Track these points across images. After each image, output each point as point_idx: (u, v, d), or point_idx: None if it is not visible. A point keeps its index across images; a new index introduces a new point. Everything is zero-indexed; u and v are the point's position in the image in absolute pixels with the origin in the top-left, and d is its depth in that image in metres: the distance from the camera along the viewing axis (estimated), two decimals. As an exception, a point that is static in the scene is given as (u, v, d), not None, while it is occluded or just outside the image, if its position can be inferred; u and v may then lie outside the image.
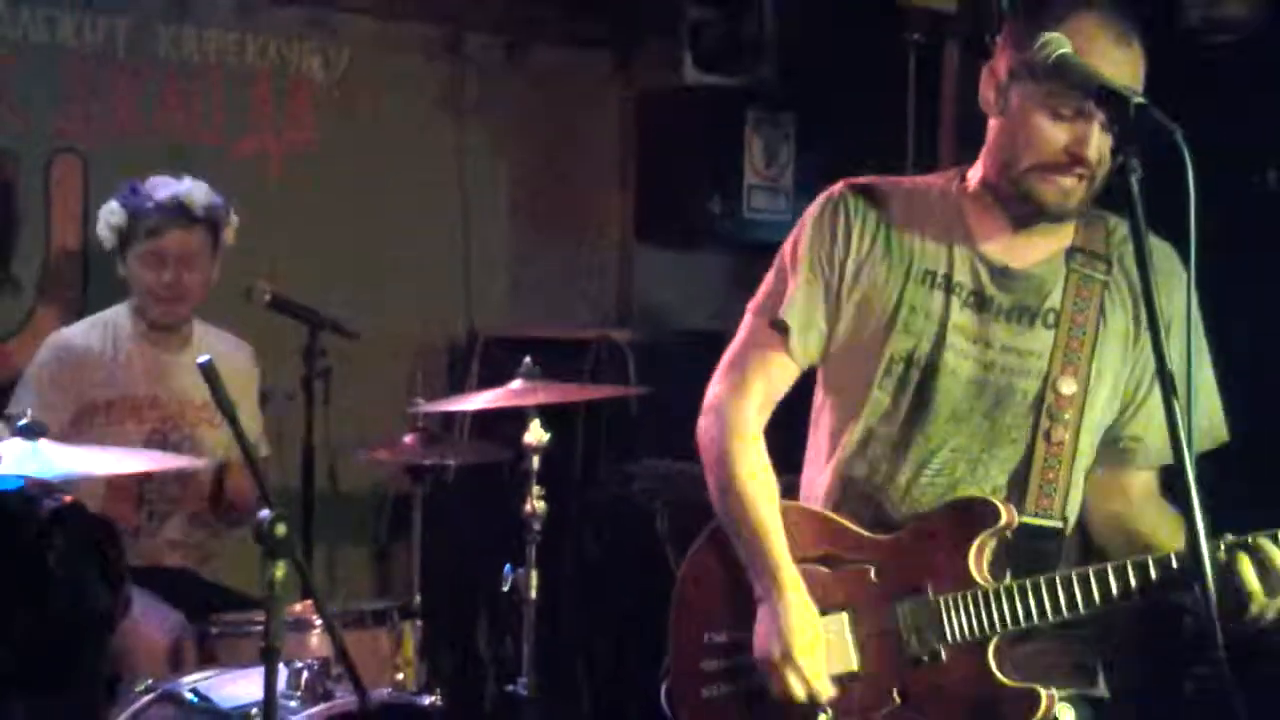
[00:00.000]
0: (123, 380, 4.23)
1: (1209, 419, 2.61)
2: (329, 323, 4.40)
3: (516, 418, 3.92)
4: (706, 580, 2.74)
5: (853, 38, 5.08)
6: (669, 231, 5.76)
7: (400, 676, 3.76)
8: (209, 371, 2.51)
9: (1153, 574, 2.38)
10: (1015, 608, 2.46)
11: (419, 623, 3.92)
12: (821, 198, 2.71)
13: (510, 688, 3.96)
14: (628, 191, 5.88)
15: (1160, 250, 2.48)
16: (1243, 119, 4.02)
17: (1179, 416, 1.96)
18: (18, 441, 3.27)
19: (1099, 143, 2.44)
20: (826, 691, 2.55)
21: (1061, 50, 2.25)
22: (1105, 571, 2.42)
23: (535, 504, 3.82)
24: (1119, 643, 2.69)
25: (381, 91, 5.37)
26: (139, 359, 4.27)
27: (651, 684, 2.82)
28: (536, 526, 3.83)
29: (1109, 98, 2.10)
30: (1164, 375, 1.99)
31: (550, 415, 3.90)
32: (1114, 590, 2.40)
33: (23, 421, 3.30)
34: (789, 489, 2.74)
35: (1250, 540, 2.34)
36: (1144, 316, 2.48)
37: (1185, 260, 2.02)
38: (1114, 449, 2.63)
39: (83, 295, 4.80)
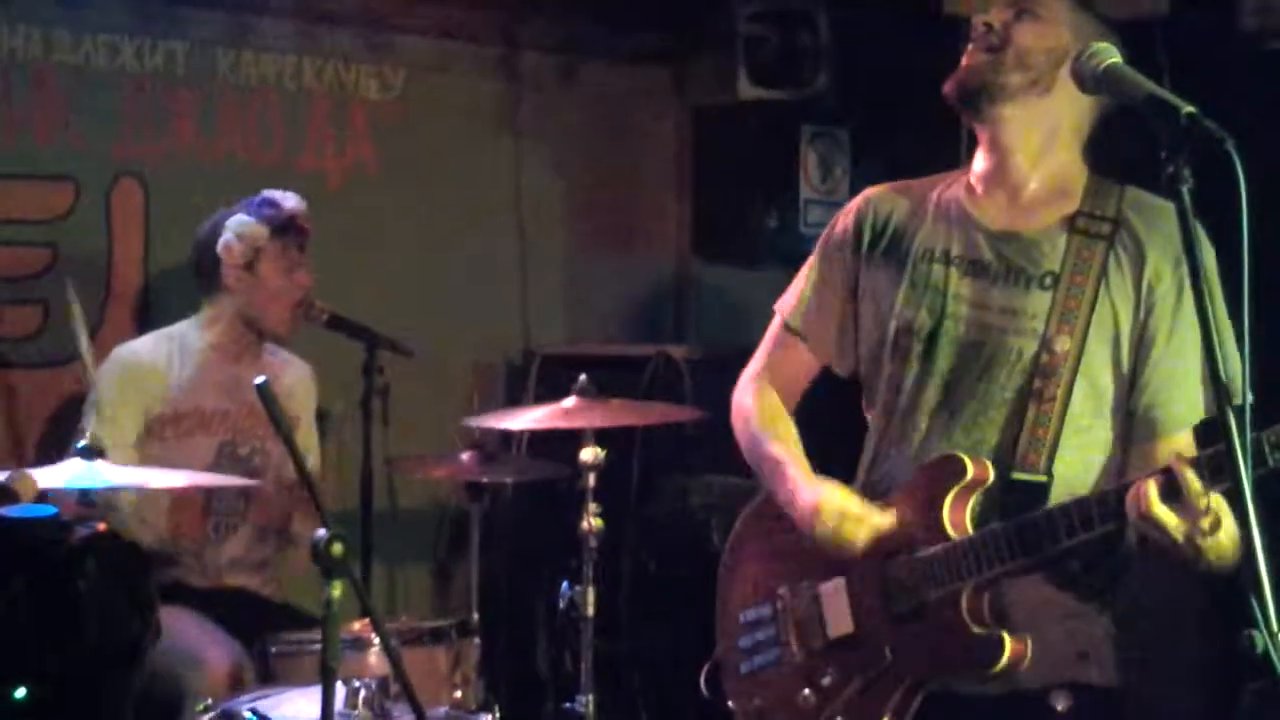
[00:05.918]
0: (192, 393, 4.23)
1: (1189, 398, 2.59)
2: (386, 341, 4.42)
3: (574, 435, 3.92)
4: (739, 565, 2.91)
5: (906, 51, 5.05)
6: (725, 247, 5.75)
7: (459, 694, 3.77)
8: (265, 392, 2.54)
9: (1093, 511, 2.41)
10: (978, 553, 2.51)
11: (477, 640, 3.93)
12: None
13: (568, 705, 3.97)
14: (684, 207, 5.88)
15: (1165, 213, 2.48)
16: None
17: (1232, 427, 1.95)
18: (77, 461, 3.33)
19: (1005, 19, 2.60)
20: (876, 525, 2.62)
21: (1110, 60, 2.25)
22: (1053, 511, 2.47)
23: (592, 521, 3.82)
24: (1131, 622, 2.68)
25: (437, 111, 5.39)
26: (208, 372, 4.27)
27: (711, 700, 2.92)
28: (593, 543, 3.84)
29: (1159, 107, 2.08)
30: (1218, 381, 1.98)
31: (607, 431, 3.90)
32: (1061, 528, 2.43)
33: (81, 443, 3.36)
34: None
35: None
36: (1145, 286, 2.57)
37: (1235, 263, 2.00)
38: (1138, 421, 2.62)
39: (144, 317, 4.83)
